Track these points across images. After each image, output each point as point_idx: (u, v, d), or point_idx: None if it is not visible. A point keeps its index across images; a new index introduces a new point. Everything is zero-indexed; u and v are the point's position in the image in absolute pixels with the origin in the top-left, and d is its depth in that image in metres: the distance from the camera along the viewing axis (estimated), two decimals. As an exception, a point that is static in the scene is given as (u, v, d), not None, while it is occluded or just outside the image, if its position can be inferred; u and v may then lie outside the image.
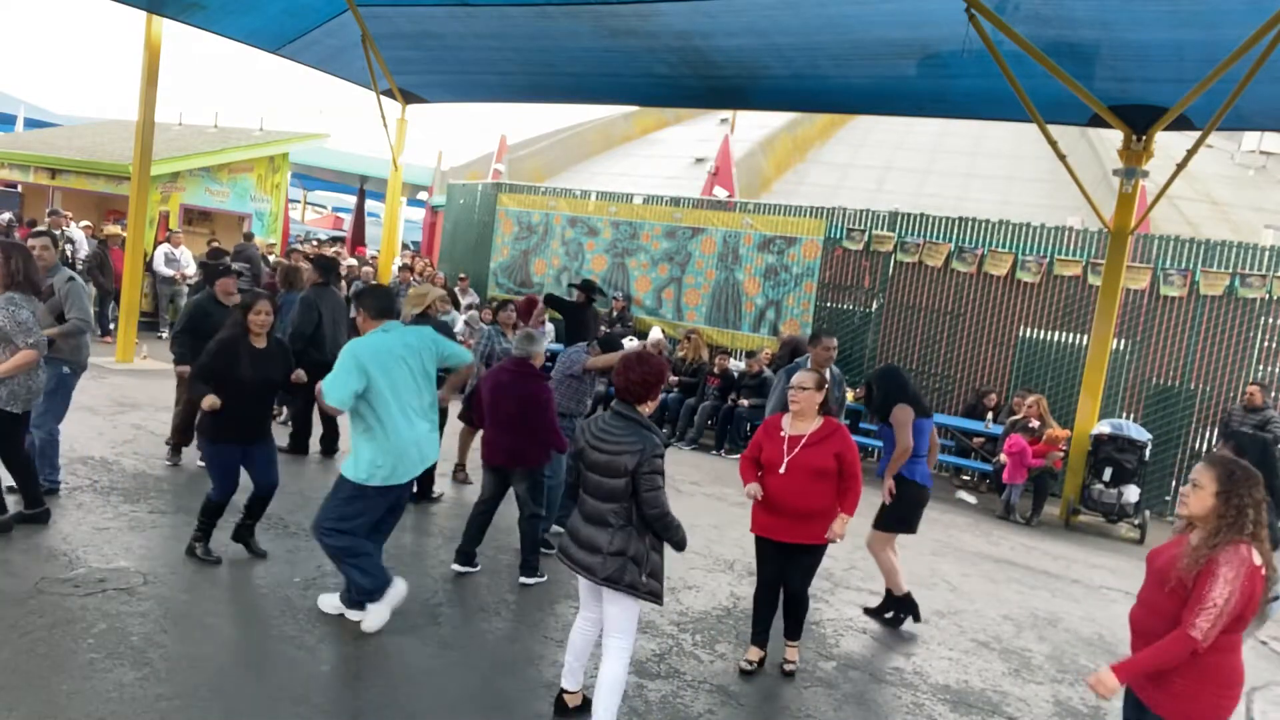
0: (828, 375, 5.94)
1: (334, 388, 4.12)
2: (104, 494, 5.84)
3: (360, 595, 4.37)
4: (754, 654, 4.59)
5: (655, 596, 3.55)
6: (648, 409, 3.67)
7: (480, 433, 6.05)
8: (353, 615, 4.45)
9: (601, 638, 3.66)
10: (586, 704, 3.74)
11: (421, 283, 12.67)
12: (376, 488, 4.26)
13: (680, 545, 3.59)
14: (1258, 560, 2.78)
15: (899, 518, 5.41)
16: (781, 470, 4.36)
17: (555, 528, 6.03)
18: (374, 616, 4.33)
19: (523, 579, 5.38)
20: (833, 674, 4.68)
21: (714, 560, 6.33)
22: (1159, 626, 2.89)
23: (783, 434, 4.45)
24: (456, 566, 5.40)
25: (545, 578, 5.45)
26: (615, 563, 3.46)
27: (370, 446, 4.23)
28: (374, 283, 11.87)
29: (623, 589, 3.46)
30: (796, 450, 4.37)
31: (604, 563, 3.46)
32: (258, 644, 4.14)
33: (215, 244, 11.98)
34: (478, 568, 5.47)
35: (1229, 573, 2.74)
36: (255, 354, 4.99)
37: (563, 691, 3.85)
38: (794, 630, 4.64)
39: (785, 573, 4.53)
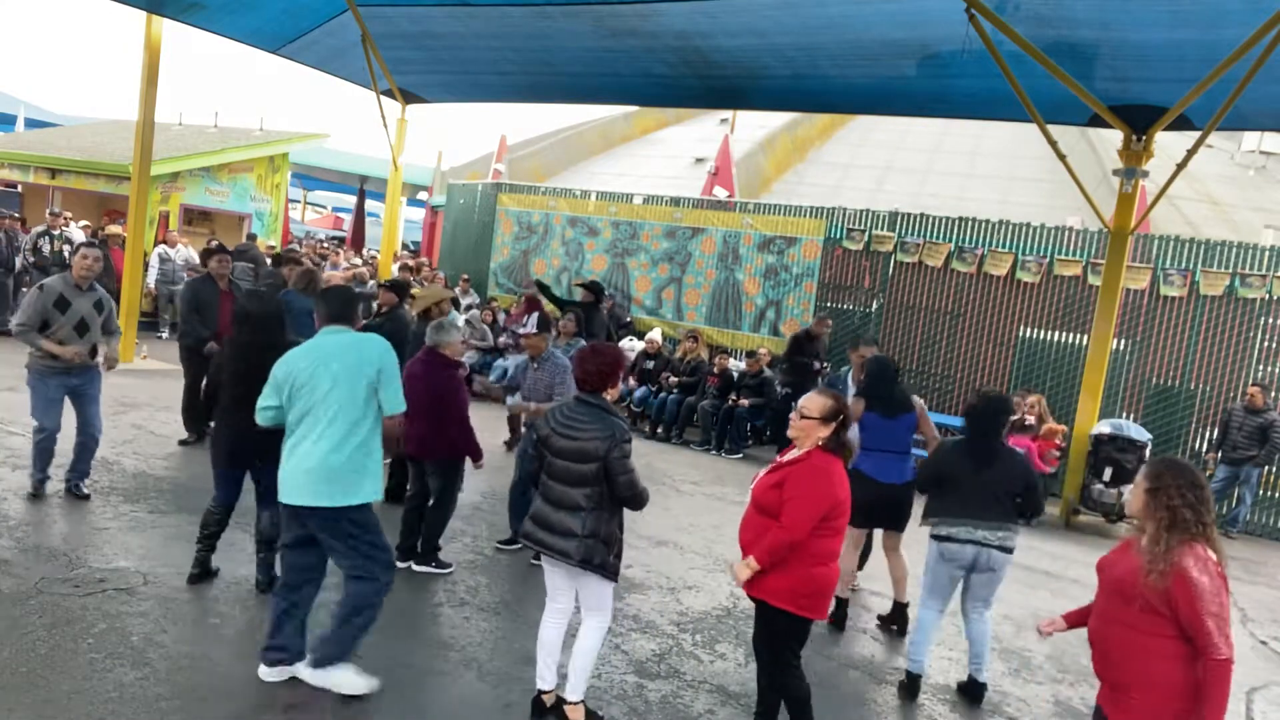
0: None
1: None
2: (104, 494, 5.84)
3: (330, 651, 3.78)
4: None
5: (617, 576, 3.66)
6: (610, 395, 3.74)
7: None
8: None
9: (582, 616, 3.70)
10: (561, 703, 3.70)
11: (428, 284, 12.73)
12: None
13: (642, 506, 3.66)
14: (1214, 557, 2.69)
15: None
16: (748, 499, 3.76)
17: None
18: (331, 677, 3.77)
19: (416, 566, 5.28)
20: (833, 674, 4.68)
21: (714, 560, 6.32)
22: (1124, 640, 2.80)
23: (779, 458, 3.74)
24: (399, 563, 4.96)
25: (452, 569, 5.35)
26: (588, 545, 3.54)
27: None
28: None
29: (593, 569, 3.55)
30: (761, 475, 3.69)
31: (579, 545, 3.53)
32: (257, 644, 4.13)
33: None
34: (451, 569, 5.35)
35: (1203, 579, 2.63)
36: None
37: (539, 693, 3.74)
38: None
39: None
